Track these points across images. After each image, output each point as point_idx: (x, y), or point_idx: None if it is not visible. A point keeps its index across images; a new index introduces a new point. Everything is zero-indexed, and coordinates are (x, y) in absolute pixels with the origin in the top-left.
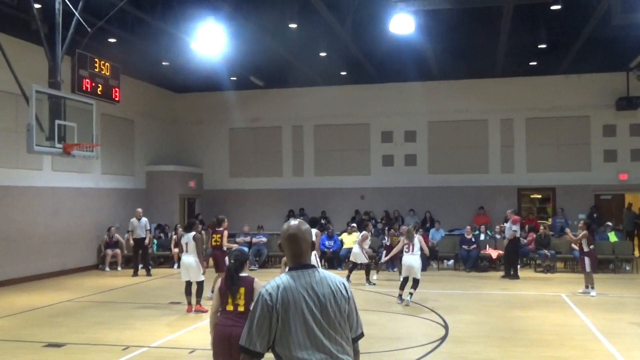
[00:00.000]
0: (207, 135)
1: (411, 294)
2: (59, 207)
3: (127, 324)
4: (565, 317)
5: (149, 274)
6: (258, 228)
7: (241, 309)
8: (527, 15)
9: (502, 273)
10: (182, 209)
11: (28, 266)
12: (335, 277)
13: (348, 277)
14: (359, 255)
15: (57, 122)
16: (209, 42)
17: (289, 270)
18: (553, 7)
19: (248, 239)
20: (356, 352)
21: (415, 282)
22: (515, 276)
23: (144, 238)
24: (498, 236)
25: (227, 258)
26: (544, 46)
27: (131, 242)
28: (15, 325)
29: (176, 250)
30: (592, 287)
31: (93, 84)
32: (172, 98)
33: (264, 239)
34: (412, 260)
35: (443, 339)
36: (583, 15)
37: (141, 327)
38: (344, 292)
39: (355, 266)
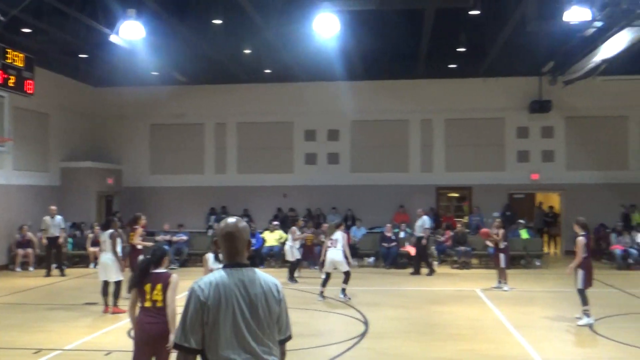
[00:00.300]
0: (127, 130)
1: (344, 289)
2: None
3: (40, 326)
4: (480, 311)
5: (62, 274)
6: (179, 226)
7: (160, 304)
8: (448, 19)
9: (425, 270)
10: (99, 206)
11: None
12: (269, 278)
13: (323, 283)
14: (289, 252)
15: None
16: (130, 35)
17: (223, 267)
18: (472, 13)
19: (168, 237)
20: (283, 354)
21: (346, 275)
22: (432, 272)
23: (58, 237)
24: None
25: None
26: (463, 50)
27: (44, 241)
28: None
29: (92, 249)
30: (505, 282)
31: (5, 76)
32: (90, 92)
33: (185, 238)
34: (334, 254)
35: (363, 334)
36: (500, 21)
37: (55, 329)
38: (275, 293)
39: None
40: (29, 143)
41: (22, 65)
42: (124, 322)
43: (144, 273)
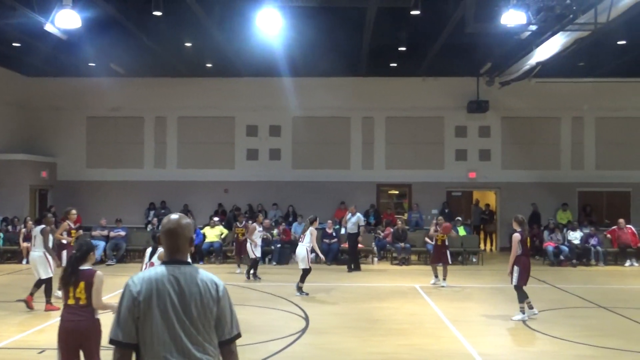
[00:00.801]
0: (63, 122)
1: (299, 287)
2: None
3: None
4: (418, 307)
5: None
6: (117, 221)
7: (83, 302)
8: (389, 19)
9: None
10: (32, 200)
11: None
12: (209, 276)
13: (301, 282)
14: (250, 250)
15: None
16: (66, 24)
17: (162, 264)
18: (413, 12)
19: (105, 232)
20: (232, 353)
21: (303, 272)
22: (357, 268)
23: None
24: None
25: (65, 252)
26: (404, 49)
27: None
28: None
29: (25, 244)
30: (444, 279)
31: None
32: (22, 82)
33: (123, 233)
34: (298, 249)
35: (304, 330)
36: (440, 22)
37: None
38: (213, 292)
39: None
40: None
41: None
42: (57, 320)
43: (74, 270)
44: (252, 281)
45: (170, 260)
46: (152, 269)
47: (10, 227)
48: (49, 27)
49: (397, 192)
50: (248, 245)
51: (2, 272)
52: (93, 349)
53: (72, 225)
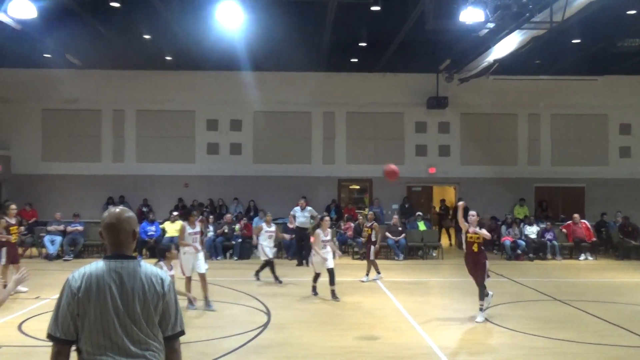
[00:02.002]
0: (16, 115)
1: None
2: None
3: None
4: (379, 301)
5: None
6: (74, 216)
7: None
8: (350, 14)
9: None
10: None
11: None
12: (154, 271)
13: (275, 278)
14: (261, 251)
15: None
16: (20, 14)
17: (103, 258)
18: (373, 8)
19: (61, 227)
20: (174, 351)
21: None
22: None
23: None
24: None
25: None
26: (364, 44)
27: None
28: None
29: None
30: (367, 274)
31: None
32: None
33: (80, 228)
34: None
35: (265, 325)
36: (400, 18)
37: None
38: (158, 287)
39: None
40: None
41: None
42: (15, 315)
43: None
44: (260, 282)
45: (112, 254)
46: (94, 263)
47: None
48: (1, 17)
49: (358, 187)
50: (259, 246)
51: None
52: None
53: (11, 222)
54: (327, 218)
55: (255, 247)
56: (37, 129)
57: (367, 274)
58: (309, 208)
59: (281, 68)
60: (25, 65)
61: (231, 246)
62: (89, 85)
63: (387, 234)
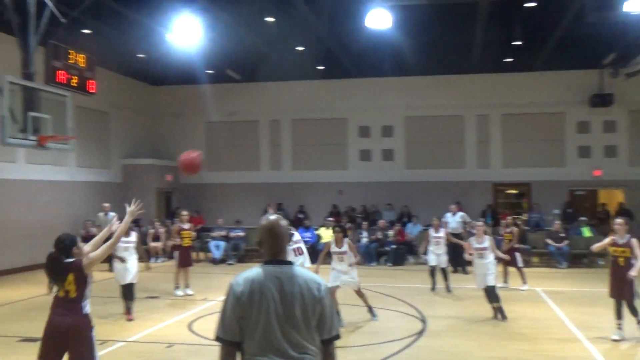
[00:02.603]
0: (184, 128)
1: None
2: (34, 200)
3: (104, 317)
4: (541, 311)
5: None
6: (236, 222)
7: (72, 295)
8: (502, 12)
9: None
10: (158, 202)
11: (1, 260)
12: (311, 276)
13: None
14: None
15: (30, 114)
16: (185, 34)
17: (264, 264)
18: (527, 5)
19: (224, 232)
20: (330, 354)
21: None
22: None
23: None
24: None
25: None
26: (519, 43)
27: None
28: None
29: (153, 244)
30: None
31: (67, 76)
32: (148, 90)
33: (242, 234)
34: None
35: (421, 332)
36: (557, 13)
37: (118, 322)
38: (315, 292)
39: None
40: (91, 141)
41: (84, 65)
42: (185, 315)
43: (57, 263)
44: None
45: (272, 260)
46: (255, 269)
47: (137, 229)
48: (170, 38)
49: (515, 191)
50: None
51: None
52: (83, 352)
53: (183, 226)
54: (480, 223)
55: (424, 253)
56: (202, 141)
57: (525, 282)
58: (460, 213)
59: (431, 72)
60: (191, 81)
61: (385, 252)
62: (247, 98)
63: (549, 240)
